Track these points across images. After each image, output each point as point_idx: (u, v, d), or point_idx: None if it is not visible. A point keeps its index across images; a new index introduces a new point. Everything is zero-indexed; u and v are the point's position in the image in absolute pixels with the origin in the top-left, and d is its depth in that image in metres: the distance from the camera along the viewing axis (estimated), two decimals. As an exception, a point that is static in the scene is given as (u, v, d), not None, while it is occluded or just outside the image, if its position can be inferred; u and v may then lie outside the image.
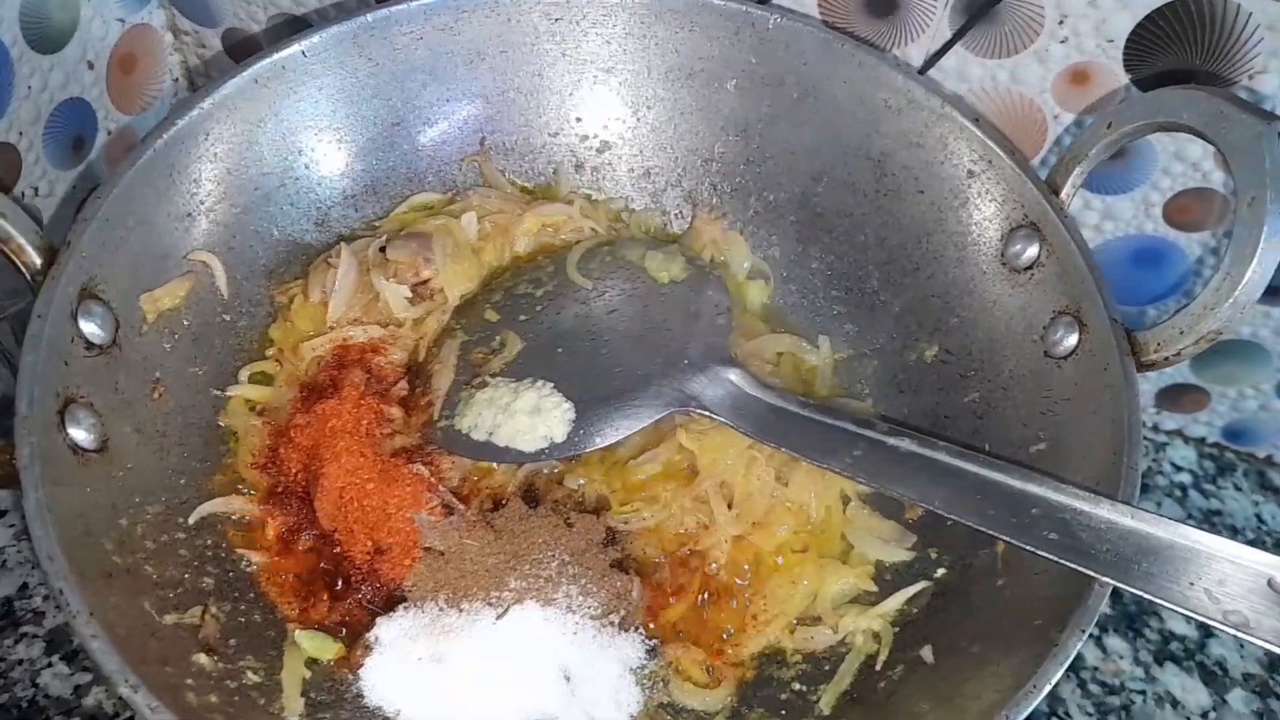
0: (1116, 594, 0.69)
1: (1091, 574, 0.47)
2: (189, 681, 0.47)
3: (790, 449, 0.56)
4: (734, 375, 0.60)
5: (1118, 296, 0.68)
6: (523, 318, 0.63)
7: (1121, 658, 0.67)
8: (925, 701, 0.50)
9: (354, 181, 0.67)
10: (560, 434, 0.58)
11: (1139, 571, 0.46)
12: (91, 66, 0.71)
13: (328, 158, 0.66)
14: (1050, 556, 0.48)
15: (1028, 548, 0.48)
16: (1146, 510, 0.48)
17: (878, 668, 0.55)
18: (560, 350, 0.62)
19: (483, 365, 0.62)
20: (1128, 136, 0.56)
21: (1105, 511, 0.49)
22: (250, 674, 0.51)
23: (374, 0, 0.71)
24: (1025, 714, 0.44)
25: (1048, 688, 0.45)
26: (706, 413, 0.58)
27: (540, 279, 0.65)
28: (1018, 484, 0.51)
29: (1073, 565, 0.47)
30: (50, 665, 0.60)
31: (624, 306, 0.64)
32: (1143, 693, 0.66)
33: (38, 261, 0.51)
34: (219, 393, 0.60)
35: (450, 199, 0.69)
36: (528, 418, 0.58)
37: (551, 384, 0.59)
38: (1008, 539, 0.49)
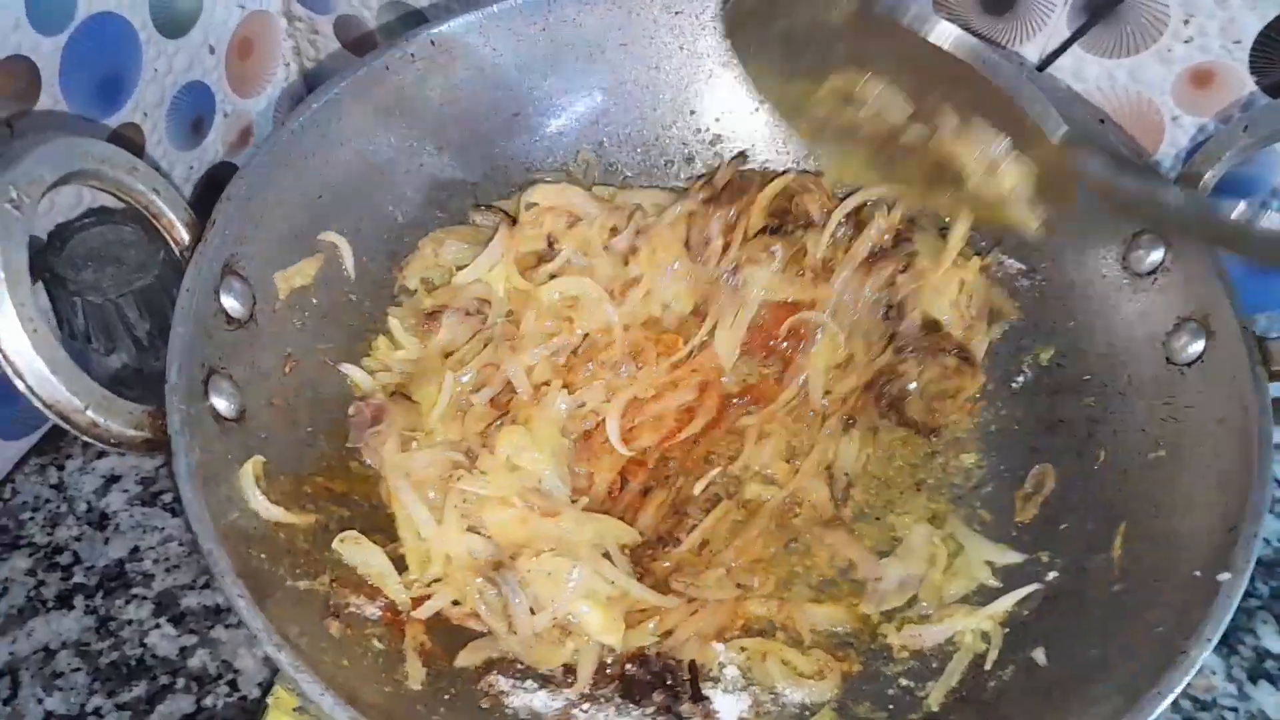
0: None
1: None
2: (323, 645, 0.48)
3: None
4: None
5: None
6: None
7: (1214, 673, 0.66)
8: (1038, 703, 0.50)
9: (474, 169, 0.68)
10: None
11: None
12: (212, 51, 0.73)
13: (450, 145, 0.67)
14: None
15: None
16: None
17: (987, 667, 0.54)
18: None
19: None
20: (1265, 142, 0.55)
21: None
22: (375, 641, 0.52)
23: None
24: (1150, 720, 0.44)
25: (1171, 696, 0.45)
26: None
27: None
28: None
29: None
30: (158, 626, 0.62)
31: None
32: (1235, 710, 0.64)
33: (187, 238, 0.53)
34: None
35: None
36: None
37: None
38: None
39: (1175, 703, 0.62)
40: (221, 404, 0.51)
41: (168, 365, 0.49)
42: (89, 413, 0.45)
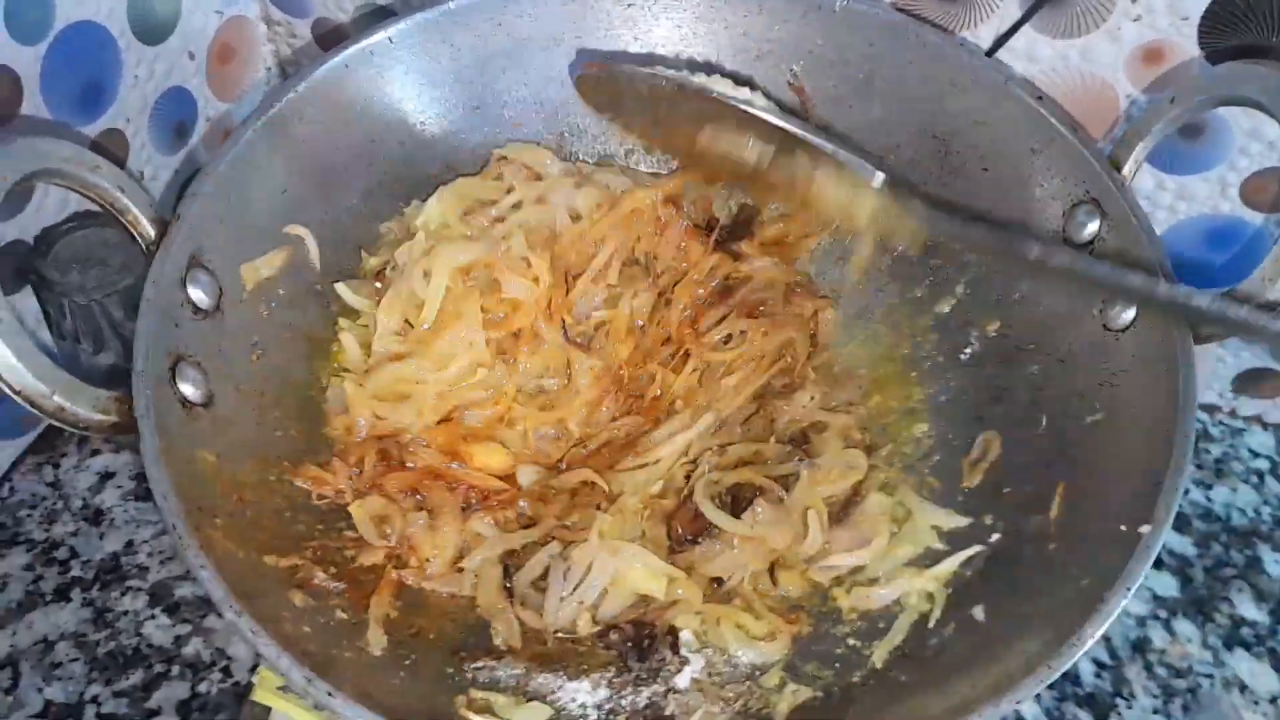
0: (1187, 579, 0.69)
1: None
2: (285, 614, 0.50)
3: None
4: None
5: (1192, 277, 0.68)
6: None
7: (1190, 641, 0.67)
8: (973, 657, 0.51)
9: (435, 162, 0.70)
10: None
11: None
12: (192, 57, 0.75)
13: (412, 139, 0.69)
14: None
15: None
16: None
17: (930, 625, 0.56)
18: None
19: None
20: (1191, 111, 0.56)
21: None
22: (339, 612, 0.54)
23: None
24: (1065, 667, 0.46)
25: (1089, 642, 0.46)
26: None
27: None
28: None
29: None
30: (153, 617, 0.64)
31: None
32: (1210, 676, 0.65)
33: (152, 233, 0.55)
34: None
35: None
36: None
37: None
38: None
39: (1151, 670, 0.65)
40: (189, 390, 0.53)
41: (134, 353, 0.51)
42: (55, 398, 0.48)
